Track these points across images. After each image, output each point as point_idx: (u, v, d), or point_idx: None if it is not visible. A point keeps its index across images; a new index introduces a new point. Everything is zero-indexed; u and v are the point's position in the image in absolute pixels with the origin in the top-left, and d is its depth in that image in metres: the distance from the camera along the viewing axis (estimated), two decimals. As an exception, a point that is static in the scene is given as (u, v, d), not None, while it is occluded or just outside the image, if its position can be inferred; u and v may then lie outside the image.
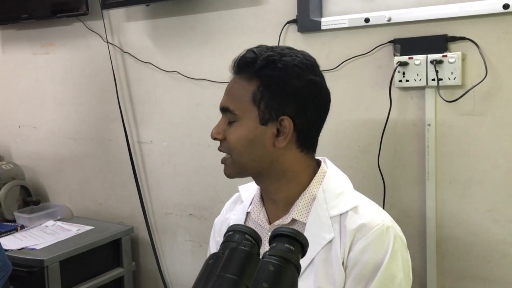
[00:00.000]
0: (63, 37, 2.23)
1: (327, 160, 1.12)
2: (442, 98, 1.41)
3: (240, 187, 1.22)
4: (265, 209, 1.10)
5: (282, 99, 1.00)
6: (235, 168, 1.06)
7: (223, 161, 1.08)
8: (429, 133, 1.46)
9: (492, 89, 1.39)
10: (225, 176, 1.84)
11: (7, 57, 2.43)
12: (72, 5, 2.10)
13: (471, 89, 1.39)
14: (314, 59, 1.07)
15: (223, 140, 1.06)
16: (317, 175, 1.06)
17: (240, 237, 0.61)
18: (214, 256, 0.59)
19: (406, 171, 1.53)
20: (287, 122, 1.01)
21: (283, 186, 1.06)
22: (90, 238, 1.98)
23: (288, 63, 1.01)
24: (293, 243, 0.59)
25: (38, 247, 1.88)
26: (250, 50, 1.04)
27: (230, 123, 1.04)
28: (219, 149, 1.08)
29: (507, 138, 1.38)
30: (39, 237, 1.99)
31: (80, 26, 2.15)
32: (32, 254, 1.82)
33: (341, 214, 1.01)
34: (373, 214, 1.01)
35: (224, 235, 0.63)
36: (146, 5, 1.94)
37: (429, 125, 1.46)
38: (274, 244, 0.60)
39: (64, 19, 2.18)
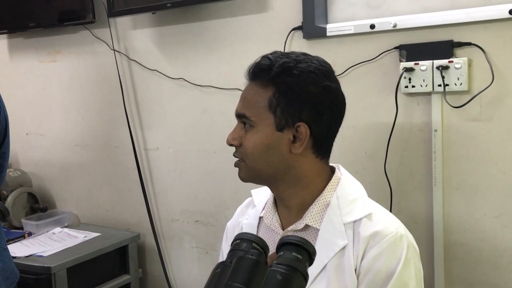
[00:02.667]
0: (70, 45, 2.25)
1: (341, 166, 1.12)
2: (449, 104, 1.41)
3: (252, 191, 1.21)
4: (278, 214, 1.10)
5: (298, 105, 1.01)
6: (250, 173, 1.06)
7: (237, 164, 1.08)
8: (436, 138, 1.46)
9: (498, 95, 1.38)
10: (231, 182, 1.86)
11: (15, 65, 2.45)
12: (78, 13, 2.12)
13: (477, 94, 1.38)
14: (329, 65, 1.07)
15: (239, 146, 1.05)
16: (331, 181, 1.07)
17: (247, 246, 0.61)
18: (221, 264, 0.59)
19: (413, 176, 1.52)
20: (304, 128, 1.01)
21: (298, 192, 1.06)
22: (97, 245, 1.98)
23: (304, 70, 1.01)
24: (300, 251, 0.59)
25: (45, 254, 1.88)
26: (265, 57, 1.05)
27: (246, 129, 1.04)
28: (234, 155, 1.07)
29: (515, 144, 1.38)
30: (46, 244, 1.99)
31: (86, 34, 2.16)
32: (40, 261, 1.83)
33: (354, 221, 1.01)
34: (387, 222, 1.01)
35: (232, 243, 0.63)
36: (152, 13, 1.95)
37: (435, 130, 1.46)
38: (282, 253, 0.60)
39: (71, 27, 2.20)
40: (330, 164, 1.11)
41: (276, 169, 1.03)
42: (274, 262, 0.58)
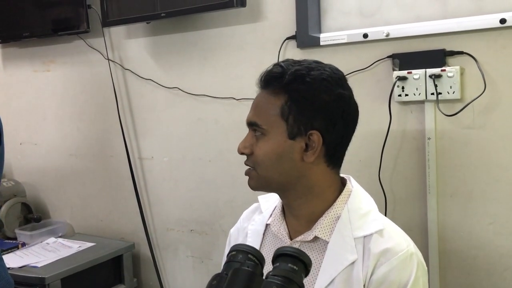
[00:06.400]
0: (64, 54, 2.25)
1: (351, 178, 1.11)
2: (442, 112, 1.42)
3: (260, 197, 1.20)
4: (286, 222, 1.09)
5: (310, 113, 1.00)
6: (260, 182, 1.05)
7: (247, 173, 1.07)
8: (430, 146, 1.47)
9: (491, 103, 1.39)
10: (226, 191, 1.86)
11: (9, 74, 2.45)
12: (73, 23, 2.12)
13: (470, 102, 1.39)
14: (342, 73, 1.06)
15: (250, 155, 1.04)
16: (342, 193, 1.05)
17: (243, 257, 0.61)
18: (217, 276, 0.59)
19: (407, 184, 1.53)
20: (316, 137, 1.00)
21: (308, 202, 1.04)
22: (92, 255, 1.97)
23: (316, 78, 1.00)
24: (296, 263, 0.59)
25: (39, 265, 1.87)
26: (277, 65, 1.04)
27: (257, 137, 1.03)
28: (246, 163, 1.06)
29: (507, 151, 1.39)
30: (40, 254, 1.98)
31: (81, 43, 2.16)
32: (34, 272, 1.81)
33: (365, 236, 1.00)
34: (398, 239, 1.00)
35: (227, 255, 0.63)
36: (147, 23, 1.96)
37: (429, 138, 1.47)
38: (278, 264, 0.60)
39: (65, 37, 2.20)
40: (341, 175, 1.10)
41: (287, 177, 1.02)
42: (270, 273, 0.58)
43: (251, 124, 1.04)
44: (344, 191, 1.06)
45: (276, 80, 1.01)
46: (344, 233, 1.00)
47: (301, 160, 1.01)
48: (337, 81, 1.02)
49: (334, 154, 1.04)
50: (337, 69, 1.06)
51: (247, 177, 1.08)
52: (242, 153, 1.05)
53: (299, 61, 1.05)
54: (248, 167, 1.06)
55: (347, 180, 1.09)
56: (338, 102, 1.01)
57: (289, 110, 1.00)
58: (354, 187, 1.08)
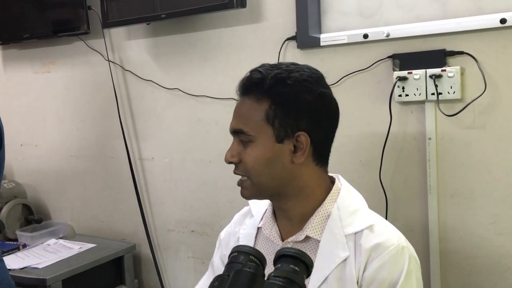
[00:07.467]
0: (64, 55, 2.25)
1: (340, 177, 1.12)
2: (442, 112, 1.42)
3: (250, 201, 1.20)
4: (277, 225, 1.10)
5: (295, 115, 1.01)
6: (254, 190, 1.05)
7: (240, 183, 1.07)
8: (430, 146, 1.47)
9: (491, 103, 1.39)
10: (226, 191, 1.86)
11: (9, 76, 2.45)
12: (73, 24, 2.12)
13: (470, 103, 1.39)
14: (320, 72, 1.08)
15: (238, 163, 1.05)
16: (331, 192, 1.07)
17: (244, 259, 0.61)
18: (219, 278, 0.59)
19: (408, 184, 1.53)
20: (304, 137, 1.01)
21: (299, 203, 1.05)
22: (93, 256, 1.97)
23: (297, 79, 1.01)
24: (297, 263, 0.59)
25: (40, 266, 1.87)
26: (255, 71, 1.05)
27: (244, 145, 1.04)
28: (235, 172, 1.07)
29: (508, 151, 1.39)
30: (41, 255, 1.98)
31: (81, 44, 2.17)
32: (35, 273, 1.82)
33: (356, 233, 1.01)
34: (388, 234, 1.01)
35: (229, 256, 0.63)
36: (147, 24, 1.96)
37: (429, 139, 1.47)
38: (279, 265, 0.60)
39: (65, 38, 2.20)
40: (330, 174, 1.11)
41: (279, 181, 1.03)
42: (272, 274, 0.58)
43: (236, 132, 1.05)
44: (333, 189, 1.07)
45: (257, 86, 1.02)
46: (335, 231, 1.01)
47: (291, 162, 1.02)
48: (317, 81, 1.04)
49: (322, 153, 1.06)
50: (315, 69, 1.08)
51: None
52: (230, 162, 1.05)
53: (276, 65, 1.06)
54: (239, 177, 1.06)
55: (336, 179, 1.11)
56: (321, 101, 1.03)
57: (274, 114, 1.01)
58: (343, 185, 1.09)
